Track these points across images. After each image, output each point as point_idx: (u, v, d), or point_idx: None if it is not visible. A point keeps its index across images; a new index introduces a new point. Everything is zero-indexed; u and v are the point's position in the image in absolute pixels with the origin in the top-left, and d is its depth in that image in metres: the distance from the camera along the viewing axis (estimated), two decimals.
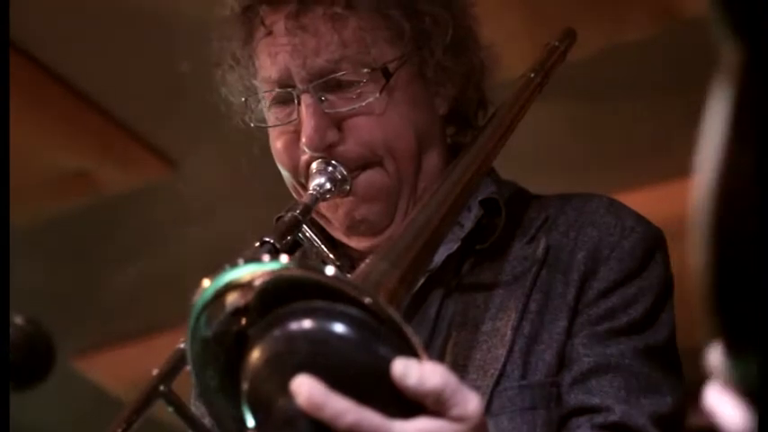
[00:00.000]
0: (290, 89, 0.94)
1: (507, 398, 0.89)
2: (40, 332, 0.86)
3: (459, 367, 0.90)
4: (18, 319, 0.86)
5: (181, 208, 3.36)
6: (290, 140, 0.96)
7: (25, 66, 2.84)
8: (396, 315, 0.55)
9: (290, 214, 0.91)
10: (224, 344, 0.62)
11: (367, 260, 0.72)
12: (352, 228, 0.99)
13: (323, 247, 0.99)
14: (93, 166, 3.38)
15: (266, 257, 0.63)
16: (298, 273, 0.61)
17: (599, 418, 0.86)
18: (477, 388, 0.85)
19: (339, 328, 0.57)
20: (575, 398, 0.89)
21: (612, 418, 0.86)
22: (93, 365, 3.73)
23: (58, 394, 2.68)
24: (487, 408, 0.84)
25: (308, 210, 0.93)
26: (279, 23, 0.92)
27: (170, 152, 3.37)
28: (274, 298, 0.59)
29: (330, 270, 0.61)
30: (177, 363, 0.86)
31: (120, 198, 3.43)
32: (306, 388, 0.51)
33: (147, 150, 3.44)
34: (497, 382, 0.89)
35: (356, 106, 0.92)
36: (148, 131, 3.39)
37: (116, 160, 3.45)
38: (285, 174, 1.02)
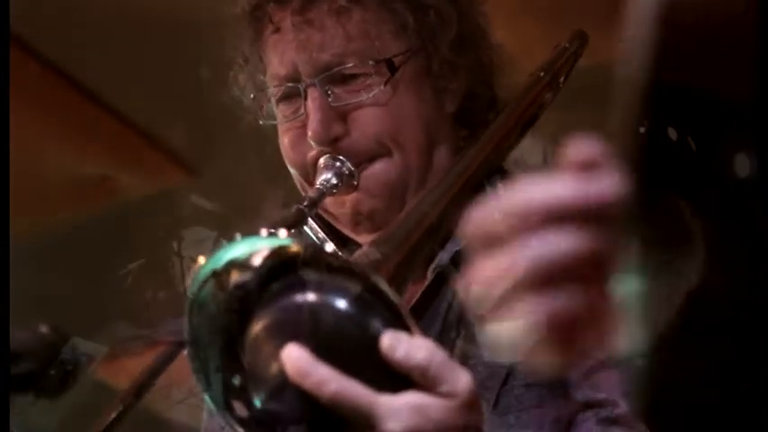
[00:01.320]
0: (296, 84, 0.95)
1: (515, 396, 0.89)
2: (64, 340, 0.86)
3: (469, 365, 0.88)
4: (43, 328, 0.86)
5: (199, 214, 3.39)
6: (298, 136, 0.97)
7: (44, 73, 2.92)
8: (389, 291, 0.56)
9: (295, 207, 0.91)
10: (223, 320, 0.64)
11: (364, 247, 0.74)
12: (359, 223, 1.00)
13: (328, 240, 0.99)
14: (113, 172, 3.44)
15: (264, 232, 0.63)
16: (295, 248, 0.62)
17: (605, 412, 0.87)
18: (485, 387, 0.85)
19: (333, 300, 0.59)
20: (581, 393, 0.89)
21: (618, 411, 0.87)
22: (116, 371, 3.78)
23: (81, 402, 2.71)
24: (495, 405, 0.87)
25: (313, 203, 0.93)
26: (285, 20, 0.94)
27: (189, 158, 3.42)
28: (272, 273, 0.61)
29: (329, 246, 0.62)
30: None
31: (140, 204, 3.46)
32: (294, 356, 0.53)
33: (167, 156, 3.50)
34: (505, 381, 0.89)
35: (362, 99, 0.93)
36: (167, 137, 3.46)
37: (135, 166, 3.51)
38: (293, 171, 1.03)
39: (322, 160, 0.96)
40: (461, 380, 0.56)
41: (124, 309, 3.77)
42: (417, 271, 0.86)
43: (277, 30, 0.98)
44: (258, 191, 2.96)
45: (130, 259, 3.80)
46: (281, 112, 1.03)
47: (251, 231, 0.64)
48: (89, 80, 3.07)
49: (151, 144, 3.41)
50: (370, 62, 0.95)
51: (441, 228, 0.82)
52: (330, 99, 0.96)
